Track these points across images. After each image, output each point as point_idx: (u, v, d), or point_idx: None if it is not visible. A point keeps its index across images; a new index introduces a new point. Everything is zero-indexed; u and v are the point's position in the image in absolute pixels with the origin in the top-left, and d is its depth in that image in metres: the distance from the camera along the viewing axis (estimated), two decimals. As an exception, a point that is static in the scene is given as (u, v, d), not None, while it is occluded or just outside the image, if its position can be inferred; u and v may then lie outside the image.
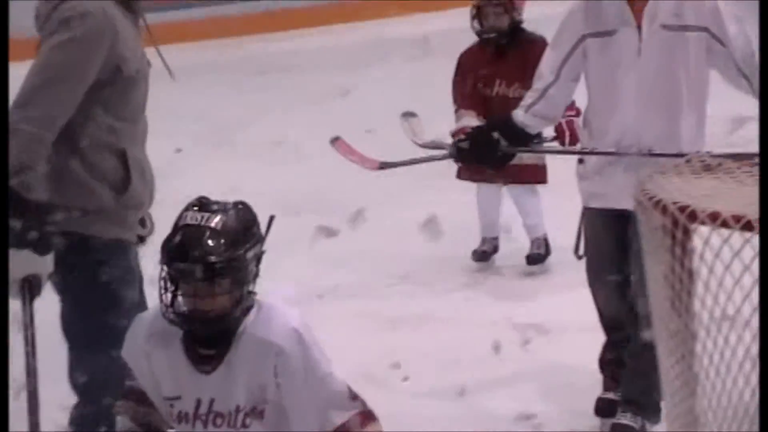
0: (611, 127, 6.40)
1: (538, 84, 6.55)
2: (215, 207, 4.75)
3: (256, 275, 4.77)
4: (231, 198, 4.90)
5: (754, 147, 5.15)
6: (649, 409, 6.43)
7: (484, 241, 10.44)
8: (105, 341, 5.53)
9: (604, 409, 6.73)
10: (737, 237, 5.02)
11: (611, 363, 6.78)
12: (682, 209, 4.99)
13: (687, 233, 5.18)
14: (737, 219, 4.77)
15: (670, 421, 5.61)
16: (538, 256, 10.30)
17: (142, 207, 5.92)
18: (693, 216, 4.93)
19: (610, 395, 6.72)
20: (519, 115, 6.60)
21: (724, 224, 4.74)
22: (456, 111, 10.02)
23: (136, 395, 4.96)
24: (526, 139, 6.80)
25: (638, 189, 5.61)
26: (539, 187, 10.37)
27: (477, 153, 6.76)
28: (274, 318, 4.71)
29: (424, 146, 8.51)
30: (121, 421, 5.07)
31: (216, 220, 4.64)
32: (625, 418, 6.42)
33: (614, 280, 6.58)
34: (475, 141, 6.76)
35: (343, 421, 4.74)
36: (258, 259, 4.75)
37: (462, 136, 7.18)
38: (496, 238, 10.49)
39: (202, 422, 4.75)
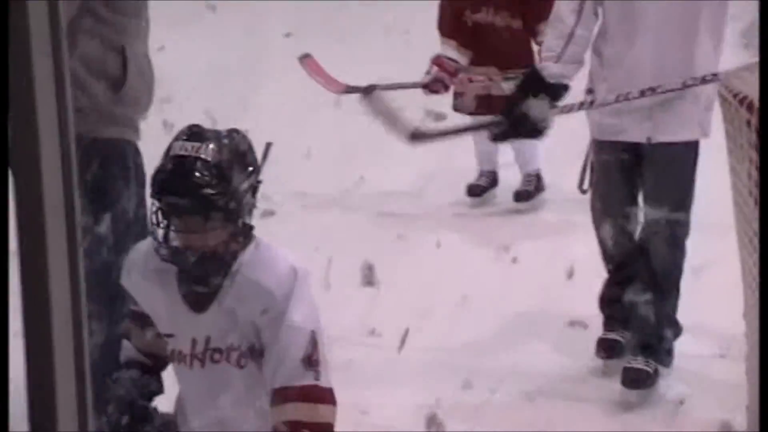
0: (629, 56, 6.29)
1: (560, 27, 6.31)
2: (207, 135, 4.55)
3: (253, 207, 4.64)
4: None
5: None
6: (662, 352, 6.41)
7: (480, 174, 10.05)
8: (101, 249, 5.67)
9: (607, 349, 6.66)
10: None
11: (614, 302, 6.67)
12: (741, 98, 5.80)
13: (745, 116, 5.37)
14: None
15: (745, 314, 6.10)
16: (526, 193, 9.96)
17: (139, 105, 5.90)
18: (743, 101, 5.68)
19: (613, 335, 6.66)
20: (552, 67, 6.31)
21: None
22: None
23: (141, 319, 4.87)
24: (565, 91, 6.39)
25: (722, 85, 6.34)
26: None
27: (516, 131, 6.41)
28: (270, 259, 4.59)
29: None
30: (126, 348, 5.00)
31: (207, 150, 4.43)
32: (637, 363, 6.34)
33: (622, 216, 6.55)
34: (511, 120, 6.33)
35: (282, 386, 4.49)
36: (254, 190, 4.59)
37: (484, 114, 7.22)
38: (493, 171, 10.09)
39: (200, 360, 4.63)
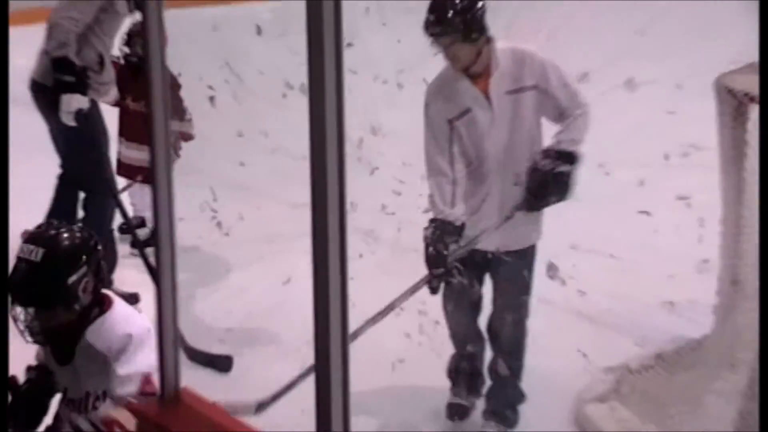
0: (480, 190, 6.63)
1: (442, 179, 6.53)
2: (44, 237, 5.02)
3: (97, 289, 5.07)
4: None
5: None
6: (511, 419, 6.90)
7: None
8: None
9: (456, 413, 7.04)
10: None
11: (459, 373, 7.07)
12: (746, 94, 6.71)
13: (744, 113, 6.10)
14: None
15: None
16: None
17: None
18: (752, 99, 5.93)
19: (459, 400, 7.05)
20: (453, 213, 6.50)
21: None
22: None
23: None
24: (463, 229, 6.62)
25: (718, 83, 6.47)
26: None
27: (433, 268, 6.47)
28: (109, 329, 5.00)
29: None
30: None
31: (38, 254, 4.88)
32: (490, 427, 6.85)
33: (470, 308, 6.91)
34: (430, 262, 6.50)
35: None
36: (88, 282, 5.01)
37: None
38: None
39: (66, 406, 5.20)
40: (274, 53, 4.35)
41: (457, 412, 6.99)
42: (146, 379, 5.02)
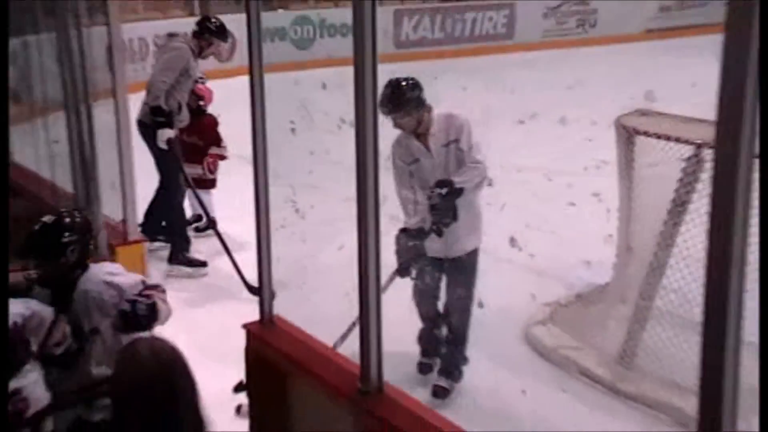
0: (419, 210, 6.41)
1: (406, 202, 6.49)
2: (61, 213, 4.99)
3: (82, 255, 4.85)
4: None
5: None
6: (456, 375, 6.68)
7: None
8: None
9: (423, 369, 6.90)
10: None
11: (425, 341, 6.95)
12: (633, 129, 6.88)
13: (632, 141, 6.31)
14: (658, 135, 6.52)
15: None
16: None
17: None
18: (636, 132, 6.13)
19: (426, 360, 6.92)
20: (411, 222, 6.47)
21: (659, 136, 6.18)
22: None
23: None
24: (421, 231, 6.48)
25: (617, 122, 6.69)
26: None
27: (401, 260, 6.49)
28: (94, 276, 4.78)
29: None
30: None
31: (51, 220, 4.85)
32: (440, 381, 6.64)
33: (431, 299, 6.76)
34: (398, 256, 6.53)
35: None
36: (74, 248, 4.82)
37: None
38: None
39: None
40: (333, 100, 4.53)
41: (423, 369, 6.93)
42: (152, 286, 4.93)
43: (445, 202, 6.16)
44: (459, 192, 6.19)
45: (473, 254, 6.58)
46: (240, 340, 4.72)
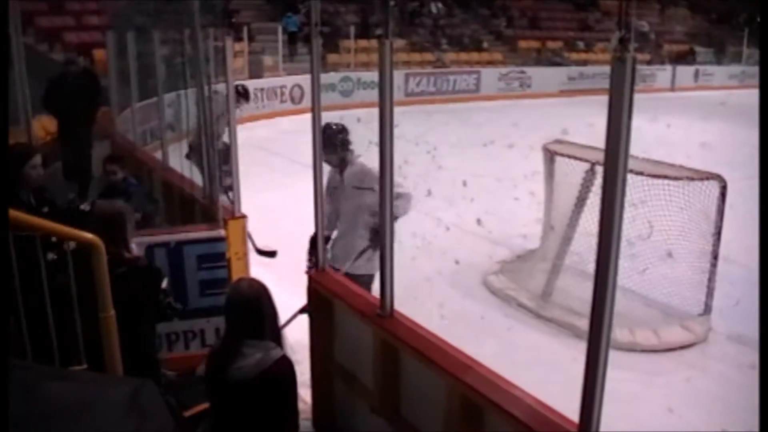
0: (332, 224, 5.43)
1: (328, 217, 5.21)
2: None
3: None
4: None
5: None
6: None
7: None
8: None
9: None
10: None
11: None
12: (554, 152, 6.13)
13: (553, 159, 6.22)
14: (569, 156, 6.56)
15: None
16: None
17: None
18: (556, 154, 6.05)
19: None
20: (329, 232, 5.35)
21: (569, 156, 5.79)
22: None
23: None
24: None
25: (544, 148, 6.57)
26: None
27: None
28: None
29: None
30: None
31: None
32: None
33: None
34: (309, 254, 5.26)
35: None
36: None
37: None
38: None
39: None
40: (365, 129, 4.54)
41: None
42: None
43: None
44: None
45: (367, 278, 5.26)
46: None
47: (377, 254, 4.70)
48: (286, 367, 3.19)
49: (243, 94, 8.89)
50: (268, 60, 20.10)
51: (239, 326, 3.21)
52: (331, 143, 5.10)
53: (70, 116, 9.12)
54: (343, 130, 5.29)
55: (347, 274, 4.92)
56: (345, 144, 5.26)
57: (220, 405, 3.24)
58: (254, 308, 3.20)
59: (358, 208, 5.27)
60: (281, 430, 3.20)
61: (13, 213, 3.35)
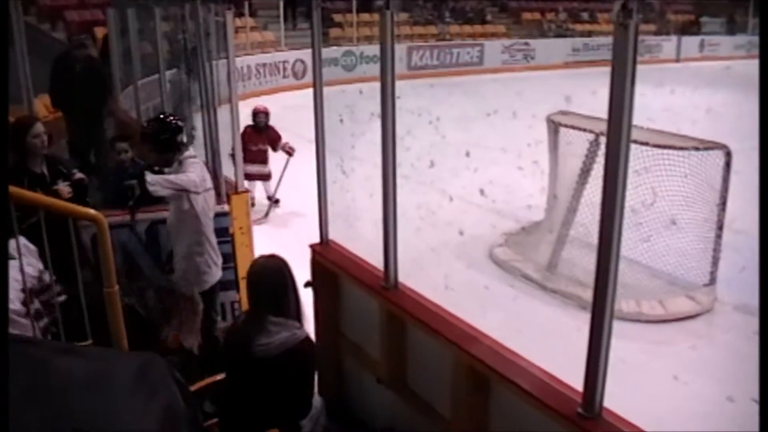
0: None
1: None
2: None
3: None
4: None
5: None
6: None
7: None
8: None
9: None
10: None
11: None
12: (558, 123, 6.12)
13: (557, 130, 6.18)
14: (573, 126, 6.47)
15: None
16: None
17: None
18: (560, 125, 6.00)
19: None
20: None
21: (573, 127, 5.74)
22: None
23: None
24: None
25: (548, 118, 6.51)
26: None
27: None
28: None
29: None
30: None
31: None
32: None
33: None
34: None
35: None
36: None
37: None
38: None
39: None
40: (367, 102, 4.52)
41: None
42: None
43: None
44: None
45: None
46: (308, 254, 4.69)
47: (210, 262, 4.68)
48: (309, 347, 3.23)
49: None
50: (269, 35, 20.00)
51: (262, 302, 3.23)
52: (159, 141, 4.59)
53: (78, 112, 8.64)
54: (174, 129, 4.62)
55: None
56: (169, 144, 4.61)
57: (240, 378, 3.26)
58: (276, 284, 3.23)
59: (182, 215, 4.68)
60: (296, 405, 3.24)
61: (17, 190, 3.36)
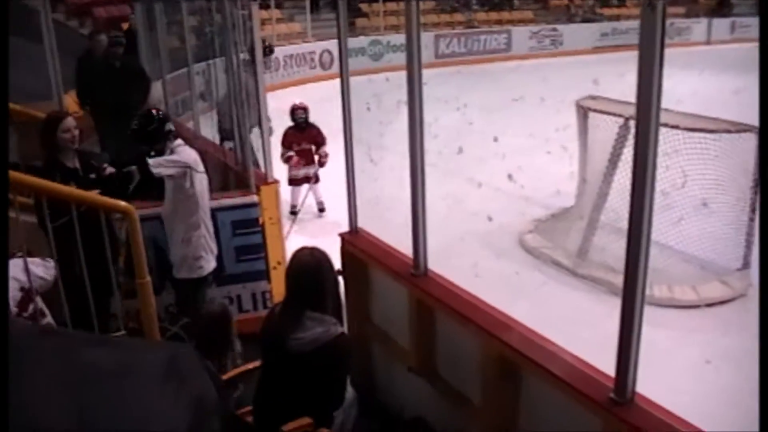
0: None
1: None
2: None
3: None
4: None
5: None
6: None
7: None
8: None
9: None
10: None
11: None
12: (588, 108, 6.03)
13: (586, 115, 6.11)
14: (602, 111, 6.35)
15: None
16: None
17: None
18: (589, 110, 5.92)
19: None
20: None
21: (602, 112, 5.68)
22: None
23: None
24: None
25: (577, 103, 6.45)
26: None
27: None
28: None
29: None
30: None
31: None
32: None
33: None
34: None
35: None
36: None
37: None
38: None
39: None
40: (394, 91, 4.48)
41: None
42: None
43: None
44: None
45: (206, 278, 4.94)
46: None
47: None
48: (344, 344, 3.21)
49: (266, 50, 8.29)
50: (296, 26, 20.01)
51: (300, 296, 3.22)
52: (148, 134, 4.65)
53: (117, 109, 7.80)
54: (161, 120, 4.73)
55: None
56: (159, 134, 4.68)
57: (274, 369, 3.27)
58: (314, 278, 3.21)
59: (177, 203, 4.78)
60: (329, 399, 3.24)
61: (51, 184, 3.39)
